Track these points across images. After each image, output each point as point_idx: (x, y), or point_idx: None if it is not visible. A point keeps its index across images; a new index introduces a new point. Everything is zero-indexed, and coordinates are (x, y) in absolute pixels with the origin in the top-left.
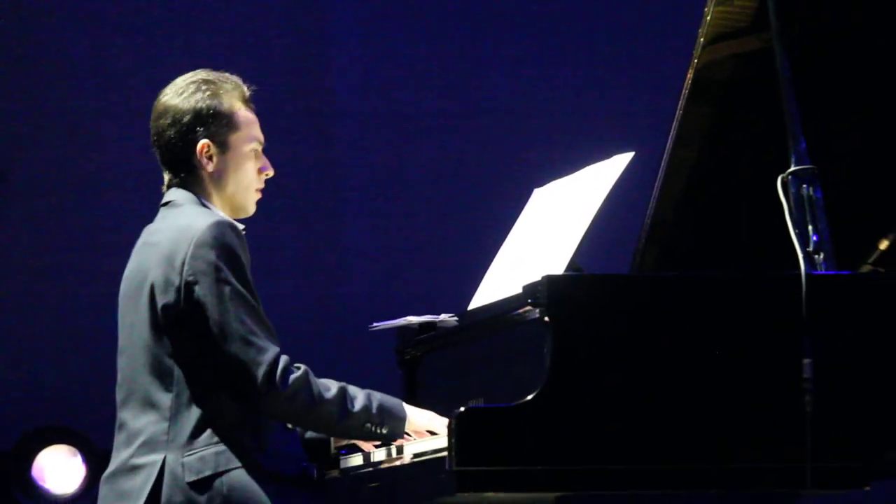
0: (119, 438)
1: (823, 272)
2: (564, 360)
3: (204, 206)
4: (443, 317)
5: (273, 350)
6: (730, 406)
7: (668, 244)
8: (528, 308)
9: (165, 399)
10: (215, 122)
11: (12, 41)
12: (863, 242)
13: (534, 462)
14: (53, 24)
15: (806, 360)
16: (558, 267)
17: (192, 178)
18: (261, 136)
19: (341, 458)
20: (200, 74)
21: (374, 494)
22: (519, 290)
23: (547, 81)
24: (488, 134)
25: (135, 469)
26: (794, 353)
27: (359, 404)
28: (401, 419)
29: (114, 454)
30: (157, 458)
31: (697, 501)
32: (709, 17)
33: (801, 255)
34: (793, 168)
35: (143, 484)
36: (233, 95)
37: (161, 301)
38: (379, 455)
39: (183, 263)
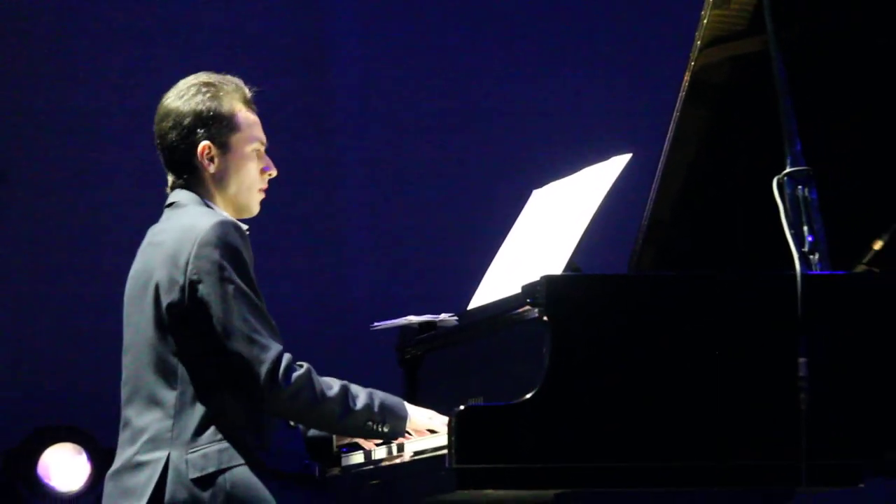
0: (123, 436)
1: (819, 272)
2: (563, 359)
3: (207, 206)
4: (443, 316)
5: (276, 348)
6: (726, 404)
7: (665, 244)
8: (527, 308)
9: (169, 397)
10: (216, 124)
11: (12, 41)
12: (858, 243)
13: (532, 460)
14: (53, 24)
15: (801, 359)
16: (557, 267)
17: (194, 180)
18: (262, 137)
19: (343, 455)
20: (201, 77)
21: (375, 492)
22: (518, 290)
23: (546, 83)
24: (487, 135)
25: (139, 466)
26: (789, 352)
27: (361, 403)
28: (402, 418)
29: (118, 451)
30: (161, 455)
31: (694, 498)
32: (706, 21)
33: (796, 256)
34: (788, 169)
35: (147, 480)
36: (233, 97)
37: (166, 300)
38: (379, 453)
39: (187, 263)
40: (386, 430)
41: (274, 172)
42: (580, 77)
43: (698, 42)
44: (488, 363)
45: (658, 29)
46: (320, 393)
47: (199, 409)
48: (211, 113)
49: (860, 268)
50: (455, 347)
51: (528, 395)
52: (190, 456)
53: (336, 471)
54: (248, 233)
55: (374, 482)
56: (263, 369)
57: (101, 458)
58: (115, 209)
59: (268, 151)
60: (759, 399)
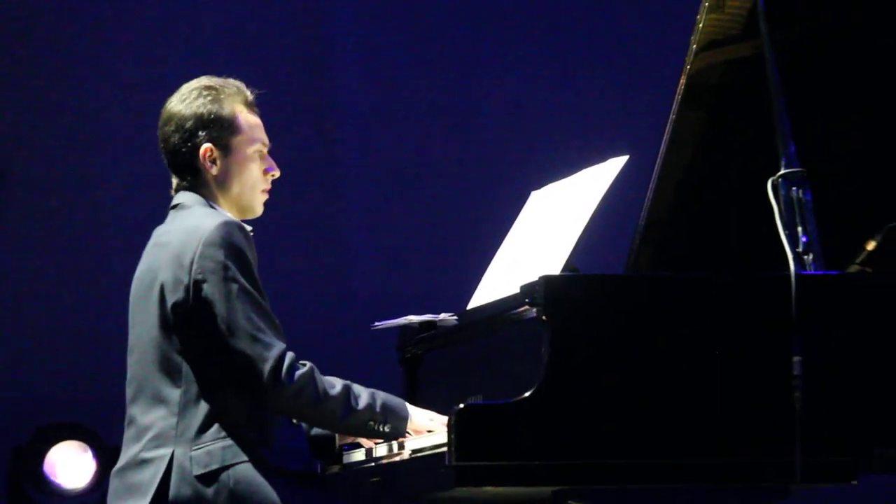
0: (129, 434)
1: (813, 272)
2: (561, 357)
3: (212, 207)
4: (443, 316)
5: (280, 346)
6: (722, 402)
7: (661, 245)
8: (526, 307)
9: (174, 395)
10: (217, 127)
11: (12, 41)
12: (851, 243)
13: (531, 457)
14: (54, 25)
15: (796, 358)
16: (555, 267)
17: (198, 182)
18: (265, 138)
19: (344, 453)
20: (203, 81)
21: (376, 489)
22: (517, 290)
23: (544, 87)
24: (487, 137)
25: (144, 463)
26: (784, 350)
27: (363, 402)
28: (403, 418)
29: (123, 449)
30: (165, 452)
31: (690, 495)
32: (701, 25)
33: (790, 256)
34: (783, 171)
35: (152, 477)
36: (234, 100)
37: (171, 299)
38: (380, 451)
39: (192, 262)
40: (387, 429)
41: (277, 173)
42: (578, 80)
43: (694, 46)
44: (487, 362)
45: (655, 33)
46: (323, 392)
47: (202, 407)
48: (212, 116)
49: (853, 268)
50: (455, 347)
51: (527, 394)
52: (194, 453)
53: (336, 468)
54: (252, 234)
55: (375, 479)
56: (267, 367)
57: (106, 455)
58: (115, 209)
59: (269, 152)
60: (754, 397)
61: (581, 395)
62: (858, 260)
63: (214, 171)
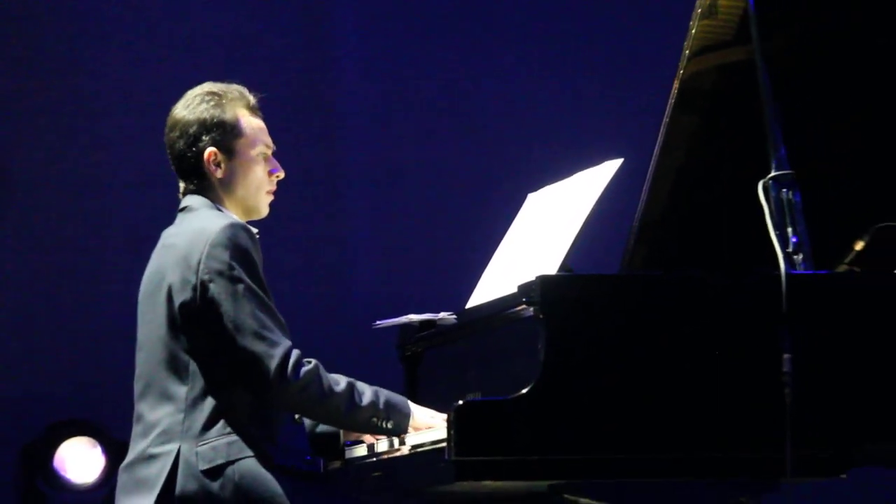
0: (137, 430)
1: (802, 272)
2: (557, 355)
3: (218, 210)
4: (442, 315)
5: (285, 344)
6: (714, 398)
7: (655, 245)
8: (523, 306)
9: (181, 392)
10: (220, 131)
11: (12, 41)
12: (839, 244)
13: (528, 452)
14: (55, 25)
15: (786, 355)
16: (551, 267)
17: (204, 185)
18: (268, 141)
19: (346, 449)
20: (206, 87)
21: (377, 483)
22: (514, 290)
23: (542, 92)
24: (485, 140)
25: (151, 458)
26: (774, 347)
27: (366, 399)
28: (405, 415)
29: (131, 445)
30: (172, 447)
31: (683, 488)
32: (694, 31)
33: (781, 256)
34: (773, 173)
35: (159, 472)
36: (237, 104)
37: (178, 299)
38: (381, 446)
39: (199, 263)
40: (389, 426)
41: (282, 174)
42: (576, 85)
43: (687, 51)
44: (486, 359)
45: (649, 39)
46: (328, 388)
47: (209, 404)
48: (215, 120)
49: (842, 268)
50: (454, 345)
51: (524, 391)
52: (200, 448)
53: (337, 464)
54: (258, 236)
55: (376, 474)
56: (273, 364)
57: (114, 451)
58: (121, 207)
59: (272, 153)
60: (745, 393)
61: (576, 392)
62: (847, 260)
63: (219, 174)
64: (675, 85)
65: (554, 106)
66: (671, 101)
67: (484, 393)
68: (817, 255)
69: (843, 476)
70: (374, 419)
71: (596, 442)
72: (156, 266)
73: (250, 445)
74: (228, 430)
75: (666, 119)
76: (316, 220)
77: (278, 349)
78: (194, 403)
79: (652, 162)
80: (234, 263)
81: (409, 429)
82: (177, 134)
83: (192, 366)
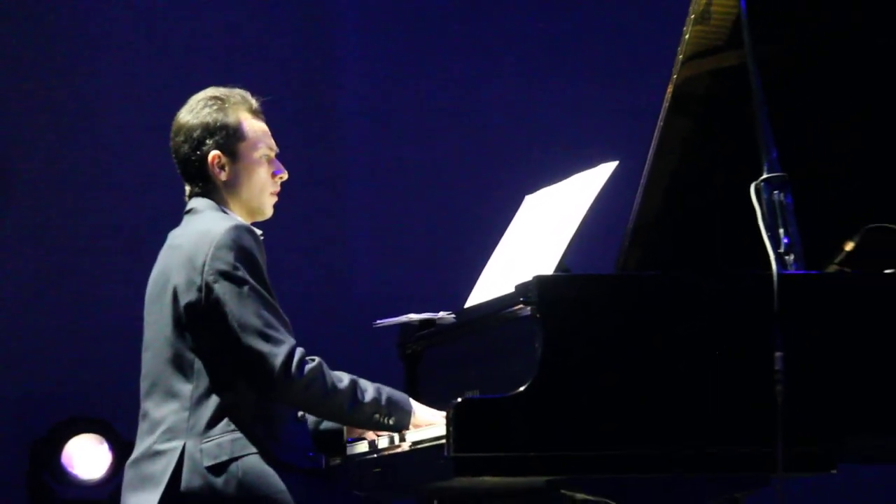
0: (143, 427)
1: (794, 272)
2: (554, 354)
3: (223, 212)
4: (441, 314)
5: (289, 342)
6: (708, 396)
7: (649, 247)
8: (520, 306)
9: (186, 390)
10: (223, 134)
11: (12, 41)
12: (830, 244)
13: (526, 448)
14: (56, 26)
15: (777, 353)
16: (548, 268)
17: (209, 187)
18: (271, 143)
19: (348, 445)
20: (209, 91)
21: (378, 479)
22: (512, 290)
23: (540, 94)
24: (483, 142)
25: (157, 455)
26: (766, 346)
27: (369, 396)
28: (407, 411)
29: (137, 442)
30: (177, 444)
31: (677, 483)
32: (687, 36)
33: (772, 256)
34: (765, 175)
35: (164, 468)
36: (239, 108)
37: (184, 300)
38: (382, 443)
39: (204, 264)
40: (391, 422)
41: (285, 175)
42: (574, 88)
43: (680, 56)
44: (484, 358)
45: (645, 43)
46: (331, 385)
47: (213, 402)
48: (218, 124)
49: (832, 268)
50: (453, 343)
51: (522, 388)
52: (204, 445)
53: (338, 460)
54: (262, 237)
55: (377, 470)
56: (278, 361)
57: (121, 447)
58: (116, 209)
59: (276, 155)
60: (738, 390)
61: (573, 390)
62: (837, 260)
63: (223, 176)
64: (669, 89)
65: (552, 108)
66: (665, 105)
67: (482, 390)
68: (817, 256)
69: (834, 471)
70: (377, 416)
71: (591, 438)
72: (162, 267)
73: (254, 442)
74: (232, 427)
75: (660, 123)
76: (317, 220)
77: (283, 347)
78: (199, 401)
79: (646, 165)
80: (238, 264)
81: (411, 426)
82: (181, 138)
83: (198, 364)
